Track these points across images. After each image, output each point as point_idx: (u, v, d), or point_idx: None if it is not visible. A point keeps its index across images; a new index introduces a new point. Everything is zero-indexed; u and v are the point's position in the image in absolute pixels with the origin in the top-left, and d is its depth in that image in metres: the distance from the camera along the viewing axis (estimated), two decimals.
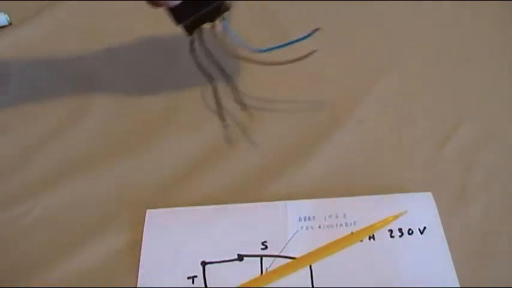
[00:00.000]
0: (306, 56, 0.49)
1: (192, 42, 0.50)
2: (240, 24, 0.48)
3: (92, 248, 0.45)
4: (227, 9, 0.48)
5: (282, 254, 0.45)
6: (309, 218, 0.47)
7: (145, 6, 0.46)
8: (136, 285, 0.43)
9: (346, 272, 0.43)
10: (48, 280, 0.43)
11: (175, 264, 0.45)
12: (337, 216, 0.47)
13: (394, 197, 0.48)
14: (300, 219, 0.47)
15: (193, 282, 0.44)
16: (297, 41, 0.48)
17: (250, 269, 0.44)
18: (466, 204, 0.47)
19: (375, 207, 0.47)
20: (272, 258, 0.45)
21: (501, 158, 0.51)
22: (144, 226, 0.47)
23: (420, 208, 0.47)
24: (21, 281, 0.43)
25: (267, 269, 0.44)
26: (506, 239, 0.45)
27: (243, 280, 0.44)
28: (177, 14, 0.47)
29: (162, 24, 0.48)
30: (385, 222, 0.46)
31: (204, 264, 0.45)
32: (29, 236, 0.46)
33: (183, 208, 0.48)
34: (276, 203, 0.48)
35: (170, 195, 0.49)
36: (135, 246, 0.45)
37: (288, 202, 0.48)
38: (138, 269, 0.44)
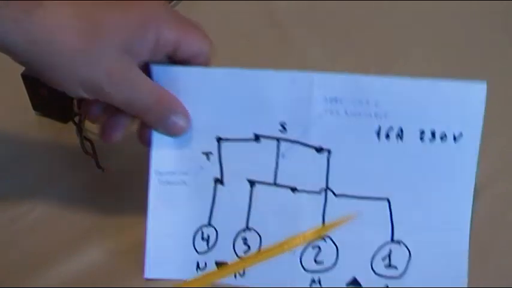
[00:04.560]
0: None
1: None
2: (240, 25, 0.47)
3: (91, 248, 0.45)
4: None
5: (301, 140, 0.43)
6: (336, 100, 0.42)
7: None
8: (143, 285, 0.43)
9: (365, 173, 0.42)
10: (48, 281, 0.43)
11: (189, 137, 0.43)
12: (367, 103, 0.41)
13: (438, 84, 0.41)
14: (325, 100, 0.42)
15: (208, 159, 0.44)
16: None
17: (266, 152, 0.43)
18: None
19: (412, 96, 0.41)
20: (290, 144, 0.43)
21: (501, 158, 0.49)
22: None
23: (464, 105, 0.41)
24: (20, 281, 0.43)
25: (283, 154, 0.43)
26: (507, 239, 0.45)
27: (259, 163, 0.43)
28: None
29: None
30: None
31: (219, 140, 0.43)
32: (28, 236, 0.46)
33: (193, 68, 0.42)
34: (299, 73, 0.42)
35: None
36: (137, 246, 0.43)
37: (315, 74, 0.42)
38: (140, 270, 0.43)
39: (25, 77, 0.51)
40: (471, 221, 0.41)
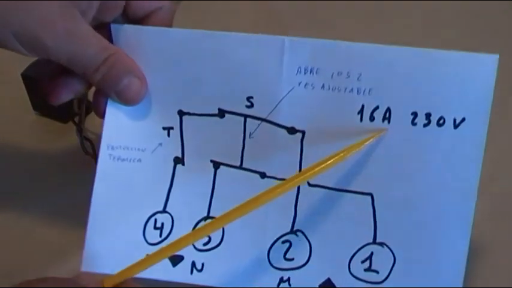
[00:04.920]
0: None
1: None
2: (240, 24, 0.47)
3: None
4: None
5: (269, 119, 0.36)
6: (311, 71, 0.35)
7: None
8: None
9: (345, 161, 0.35)
10: None
11: (148, 108, 0.38)
12: (348, 76, 0.34)
13: (436, 55, 0.33)
14: (299, 71, 0.35)
15: (168, 135, 0.38)
16: None
17: (232, 131, 0.36)
18: None
19: (403, 69, 0.33)
20: (258, 122, 0.36)
21: (501, 158, 0.47)
22: None
23: (469, 83, 0.32)
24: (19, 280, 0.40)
25: (250, 133, 0.36)
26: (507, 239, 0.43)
27: (224, 143, 0.37)
28: None
29: None
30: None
31: (181, 114, 0.37)
32: (26, 236, 0.44)
33: (153, 28, 0.37)
34: (269, 37, 0.35)
35: None
36: None
37: (287, 38, 0.35)
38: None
39: (25, 77, 0.49)
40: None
